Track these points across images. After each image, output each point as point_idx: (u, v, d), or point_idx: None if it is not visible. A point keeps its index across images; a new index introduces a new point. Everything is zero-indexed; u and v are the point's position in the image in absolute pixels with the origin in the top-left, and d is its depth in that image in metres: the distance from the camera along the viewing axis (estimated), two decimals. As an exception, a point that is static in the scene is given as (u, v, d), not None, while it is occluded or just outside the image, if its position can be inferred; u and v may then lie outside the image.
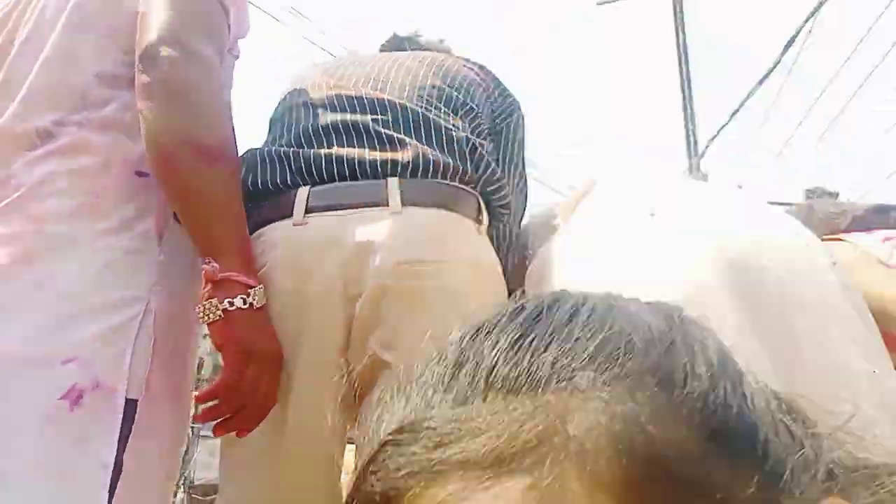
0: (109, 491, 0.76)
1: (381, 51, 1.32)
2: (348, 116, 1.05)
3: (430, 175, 1.00)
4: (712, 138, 6.90)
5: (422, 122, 1.05)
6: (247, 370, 0.81)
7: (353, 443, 1.07)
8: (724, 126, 6.60)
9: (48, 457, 0.74)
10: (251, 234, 0.97)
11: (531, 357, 0.28)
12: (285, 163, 1.01)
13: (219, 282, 0.80)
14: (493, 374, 0.28)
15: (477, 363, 0.29)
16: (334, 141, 1.03)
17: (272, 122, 1.14)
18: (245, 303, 0.81)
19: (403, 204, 0.95)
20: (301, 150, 1.02)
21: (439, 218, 0.97)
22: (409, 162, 0.99)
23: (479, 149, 1.07)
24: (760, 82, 5.72)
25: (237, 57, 1.04)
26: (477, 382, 0.28)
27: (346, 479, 1.09)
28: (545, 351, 0.28)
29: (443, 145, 1.04)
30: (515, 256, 1.19)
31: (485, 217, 1.05)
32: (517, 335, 0.29)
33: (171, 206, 0.87)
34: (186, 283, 0.90)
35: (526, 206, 1.23)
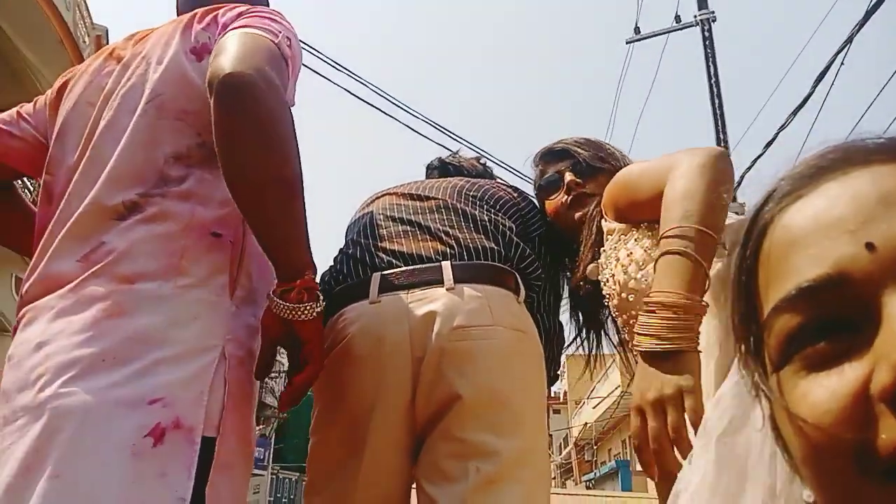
0: None
1: (428, 175, 1.61)
2: (408, 217, 1.31)
3: (474, 258, 1.22)
4: (747, 169, 6.85)
5: (465, 217, 1.29)
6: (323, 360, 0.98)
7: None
8: (758, 157, 6.56)
9: (134, 489, 0.80)
10: (335, 313, 1.19)
11: None
12: (361, 258, 1.24)
13: (311, 290, 0.94)
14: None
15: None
16: (401, 238, 1.27)
17: (350, 226, 1.40)
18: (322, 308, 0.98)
19: (456, 281, 1.16)
20: (373, 247, 1.25)
21: (485, 291, 1.17)
22: (457, 248, 1.22)
23: (509, 233, 1.30)
24: (794, 113, 5.70)
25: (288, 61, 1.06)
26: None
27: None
28: None
29: (482, 233, 1.27)
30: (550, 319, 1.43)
31: (522, 289, 1.25)
32: None
33: (257, 232, 0.94)
34: (250, 333, 1.00)
35: (559, 310, 1.49)
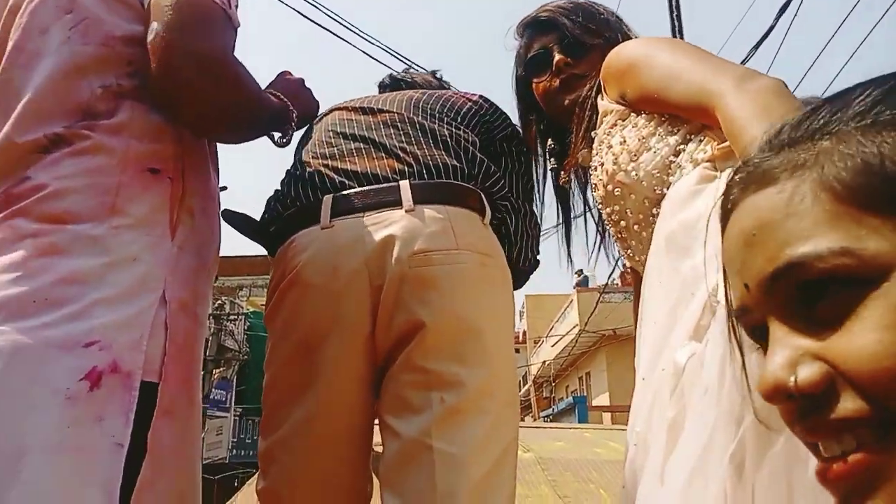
0: (130, 469, 0.80)
1: (381, 92, 1.48)
2: (360, 133, 1.22)
3: (435, 176, 1.14)
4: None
5: (423, 131, 1.20)
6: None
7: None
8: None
9: (69, 434, 0.77)
10: (286, 240, 1.13)
11: (811, 123, 0.41)
12: (311, 179, 1.16)
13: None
14: (787, 135, 0.42)
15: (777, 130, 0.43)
16: (354, 156, 1.18)
17: (297, 146, 1.31)
18: None
19: (415, 202, 1.09)
20: (324, 167, 1.17)
21: (447, 212, 1.10)
22: (415, 166, 1.14)
23: (472, 148, 1.21)
24: (756, 46, 5.69)
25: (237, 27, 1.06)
26: (780, 142, 0.42)
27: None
28: (823, 117, 0.40)
29: (443, 149, 1.18)
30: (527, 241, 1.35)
31: (487, 210, 1.18)
32: (805, 114, 0.42)
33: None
34: (195, 274, 0.96)
35: (532, 197, 1.41)
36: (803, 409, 0.37)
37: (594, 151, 1.13)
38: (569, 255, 1.42)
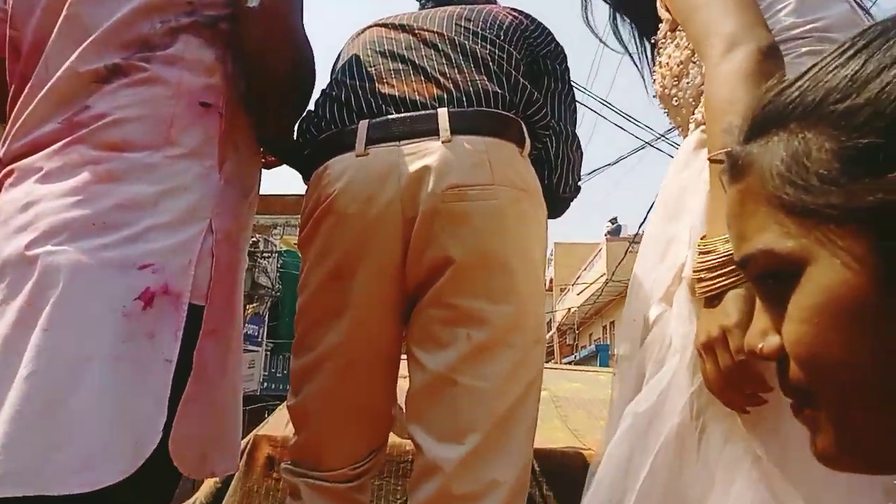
0: (177, 384, 0.86)
1: (422, 6, 1.41)
2: (400, 52, 1.17)
3: (474, 103, 1.10)
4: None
5: (463, 53, 1.15)
6: None
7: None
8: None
9: (125, 347, 0.83)
10: (319, 165, 1.12)
11: (773, 109, 0.44)
12: (347, 101, 1.13)
13: None
14: (757, 120, 0.45)
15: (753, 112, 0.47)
16: (392, 78, 1.14)
17: (334, 64, 1.27)
18: None
19: (452, 132, 1.06)
20: (360, 90, 1.14)
21: (485, 144, 1.08)
22: (455, 92, 1.10)
23: (515, 73, 1.16)
24: None
25: None
26: (751, 129, 0.46)
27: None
28: (785, 100, 0.43)
29: (484, 73, 1.14)
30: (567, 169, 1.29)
31: (527, 141, 1.15)
32: (778, 90, 0.45)
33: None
34: (238, 206, 1.01)
35: (576, 119, 1.34)
36: (778, 371, 0.45)
37: (656, 52, 1.09)
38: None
